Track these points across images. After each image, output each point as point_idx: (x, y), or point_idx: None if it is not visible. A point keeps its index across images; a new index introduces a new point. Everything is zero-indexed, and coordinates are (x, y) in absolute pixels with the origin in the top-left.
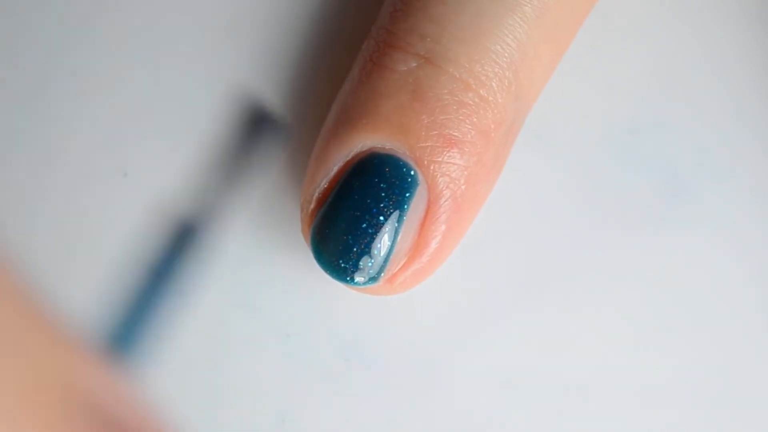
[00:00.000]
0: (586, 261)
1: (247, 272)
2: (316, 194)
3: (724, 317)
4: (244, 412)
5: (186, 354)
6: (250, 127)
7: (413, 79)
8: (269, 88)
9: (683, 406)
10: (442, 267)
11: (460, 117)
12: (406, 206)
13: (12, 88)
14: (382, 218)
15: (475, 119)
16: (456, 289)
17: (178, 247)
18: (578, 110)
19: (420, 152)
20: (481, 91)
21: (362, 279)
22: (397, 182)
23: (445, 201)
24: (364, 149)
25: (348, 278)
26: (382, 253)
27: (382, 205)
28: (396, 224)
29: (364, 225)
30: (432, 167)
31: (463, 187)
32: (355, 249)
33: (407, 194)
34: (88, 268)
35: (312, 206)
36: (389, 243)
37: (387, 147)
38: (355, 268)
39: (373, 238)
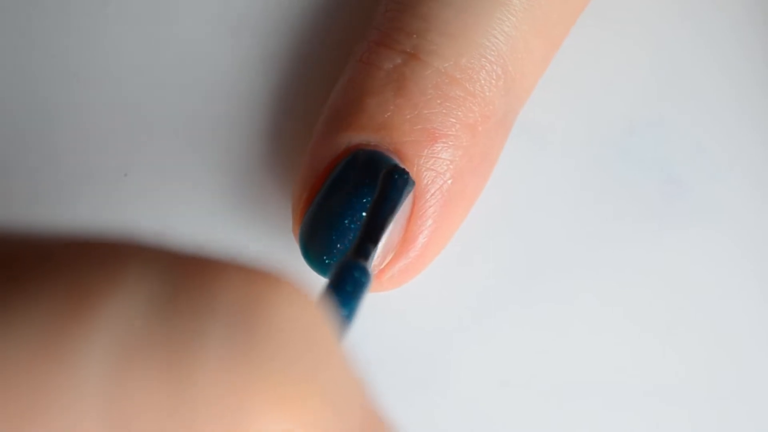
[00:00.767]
0: (586, 260)
1: None
2: (305, 194)
3: (724, 316)
4: None
5: None
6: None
7: (398, 75)
8: (268, 88)
9: (682, 403)
10: (441, 267)
11: (445, 111)
12: None
13: (13, 88)
14: (365, 214)
15: (460, 113)
16: (454, 288)
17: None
18: (577, 110)
19: (404, 147)
20: (467, 85)
21: None
22: None
23: (432, 196)
24: (350, 147)
25: None
26: None
27: (365, 200)
28: None
29: (347, 221)
30: (417, 162)
31: (449, 181)
32: (339, 246)
33: None
34: None
35: (301, 205)
36: None
37: (372, 143)
38: None
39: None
